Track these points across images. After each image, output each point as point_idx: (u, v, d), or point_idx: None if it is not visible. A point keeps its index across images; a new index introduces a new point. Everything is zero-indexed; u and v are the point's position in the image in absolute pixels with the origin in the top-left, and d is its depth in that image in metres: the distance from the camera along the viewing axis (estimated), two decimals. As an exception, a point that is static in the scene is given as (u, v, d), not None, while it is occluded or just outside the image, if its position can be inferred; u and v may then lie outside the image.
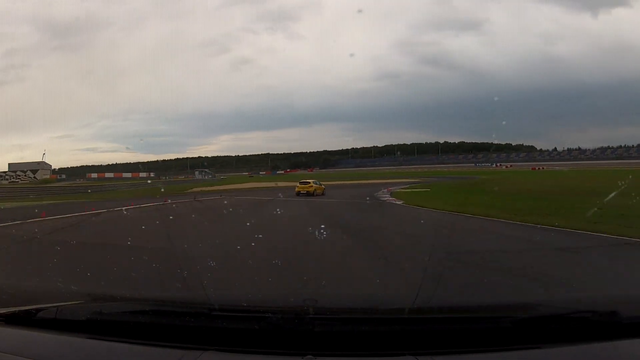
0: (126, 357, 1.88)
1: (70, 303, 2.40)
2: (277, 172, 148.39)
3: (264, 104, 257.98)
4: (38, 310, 2.19)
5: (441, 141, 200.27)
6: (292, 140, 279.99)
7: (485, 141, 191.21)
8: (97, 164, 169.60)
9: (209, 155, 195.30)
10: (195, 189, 52.03)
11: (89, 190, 54.59)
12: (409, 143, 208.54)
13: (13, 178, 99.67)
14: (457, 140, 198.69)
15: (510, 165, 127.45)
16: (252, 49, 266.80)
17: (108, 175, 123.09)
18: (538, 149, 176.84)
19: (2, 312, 2.23)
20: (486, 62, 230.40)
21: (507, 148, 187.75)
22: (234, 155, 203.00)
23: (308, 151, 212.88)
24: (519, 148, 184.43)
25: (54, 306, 2.22)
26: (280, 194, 38.24)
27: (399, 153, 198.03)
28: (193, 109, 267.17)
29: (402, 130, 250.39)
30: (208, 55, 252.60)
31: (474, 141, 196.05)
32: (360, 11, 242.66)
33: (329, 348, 1.81)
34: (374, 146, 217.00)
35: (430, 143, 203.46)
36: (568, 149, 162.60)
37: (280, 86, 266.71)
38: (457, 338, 1.84)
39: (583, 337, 1.83)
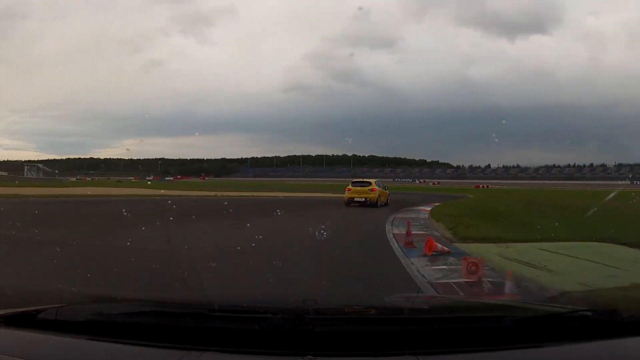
0: (126, 358, 1.89)
1: (70, 304, 2.47)
2: (167, 178, 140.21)
3: (172, 109, 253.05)
4: (38, 311, 2.19)
5: (350, 154, 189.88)
6: (198, 147, 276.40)
7: (398, 156, 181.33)
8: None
9: (113, 157, 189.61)
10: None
11: None
12: (314, 155, 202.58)
13: None
14: (367, 154, 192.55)
15: (438, 182, 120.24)
16: (164, 52, 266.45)
17: None
18: (455, 165, 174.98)
19: (2, 313, 2.22)
20: (400, 81, 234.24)
21: (422, 164, 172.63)
22: (135, 158, 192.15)
23: (206, 158, 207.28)
24: (435, 164, 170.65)
25: (54, 307, 2.23)
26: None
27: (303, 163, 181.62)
28: (102, 109, 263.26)
29: (311, 144, 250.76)
30: (121, 55, 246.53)
31: (386, 155, 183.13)
32: (275, 22, 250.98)
33: (329, 348, 1.80)
34: (275, 156, 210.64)
35: (338, 155, 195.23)
36: (504, 166, 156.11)
37: (188, 92, 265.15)
38: (457, 338, 1.84)
39: (583, 336, 1.83)
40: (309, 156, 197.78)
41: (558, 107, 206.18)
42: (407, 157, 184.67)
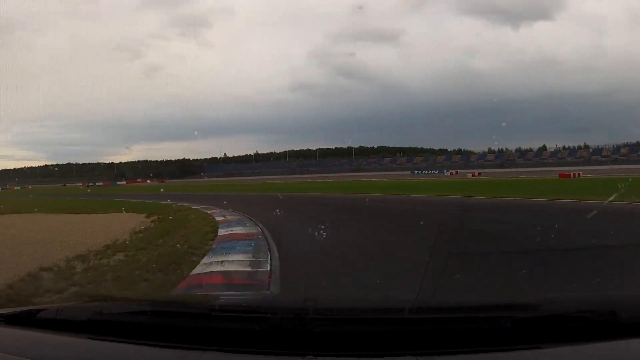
0: (126, 357, 1.89)
1: (70, 303, 2.69)
2: (118, 182, 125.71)
3: (177, 113, 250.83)
4: (38, 310, 2.21)
5: (356, 146, 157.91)
6: (204, 151, 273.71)
7: (411, 145, 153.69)
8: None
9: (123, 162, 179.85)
10: None
11: None
12: (313, 148, 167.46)
13: None
14: (376, 145, 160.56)
15: (479, 173, 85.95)
16: (163, 56, 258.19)
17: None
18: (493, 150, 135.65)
19: (2, 312, 2.25)
20: (403, 75, 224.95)
21: (443, 153, 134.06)
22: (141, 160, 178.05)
23: (194, 158, 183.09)
24: (459, 152, 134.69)
25: (54, 306, 2.29)
26: None
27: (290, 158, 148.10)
28: (107, 116, 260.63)
29: (314, 141, 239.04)
30: (121, 61, 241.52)
31: (399, 145, 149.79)
32: (275, 21, 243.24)
33: (329, 348, 1.80)
34: (255, 152, 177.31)
35: (342, 148, 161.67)
36: (567, 147, 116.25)
37: (191, 95, 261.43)
38: (457, 338, 1.84)
39: (583, 337, 1.82)
40: (307, 150, 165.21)
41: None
42: (424, 147, 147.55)
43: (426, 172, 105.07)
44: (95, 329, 2.02)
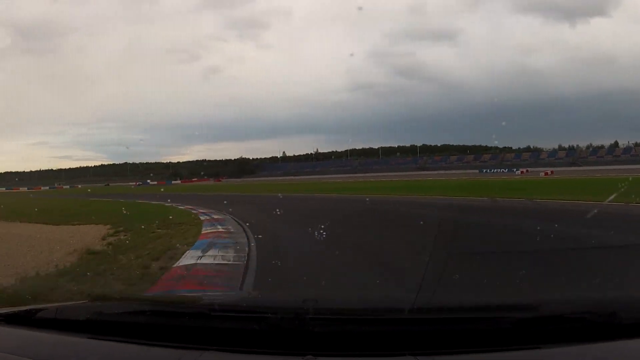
0: (126, 356, 1.91)
1: (70, 303, 2.56)
2: (173, 182, 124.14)
3: (236, 115, 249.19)
4: (38, 310, 2.22)
5: (419, 144, 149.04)
6: (264, 151, 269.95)
7: (474, 144, 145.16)
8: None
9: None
10: None
11: None
12: (375, 147, 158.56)
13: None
14: (439, 144, 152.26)
15: (552, 172, 79.36)
16: (221, 58, 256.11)
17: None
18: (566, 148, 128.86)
19: (2, 311, 2.26)
20: (462, 74, 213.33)
21: (507, 150, 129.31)
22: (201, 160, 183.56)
23: (253, 158, 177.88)
24: (523, 150, 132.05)
25: (54, 306, 2.29)
26: None
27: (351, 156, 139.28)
28: (166, 118, 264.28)
29: (378, 143, 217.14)
30: (178, 63, 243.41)
31: (462, 144, 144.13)
32: (333, 21, 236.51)
33: (329, 348, 1.81)
34: (316, 150, 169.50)
35: (404, 146, 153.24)
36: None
37: (250, 96, 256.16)
38: (457, 338, 1.85)
39: (582, 338, 1.83)
40: (369, 149, 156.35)
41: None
42: (488, 145, 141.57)
43: (494, 170, 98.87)
44: (95, 328, 2.04)
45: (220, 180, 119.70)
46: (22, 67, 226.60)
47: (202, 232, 15.43)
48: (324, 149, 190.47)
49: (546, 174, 74.99)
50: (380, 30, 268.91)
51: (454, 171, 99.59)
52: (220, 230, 15.80)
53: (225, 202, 27.91)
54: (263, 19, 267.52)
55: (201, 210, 23.75)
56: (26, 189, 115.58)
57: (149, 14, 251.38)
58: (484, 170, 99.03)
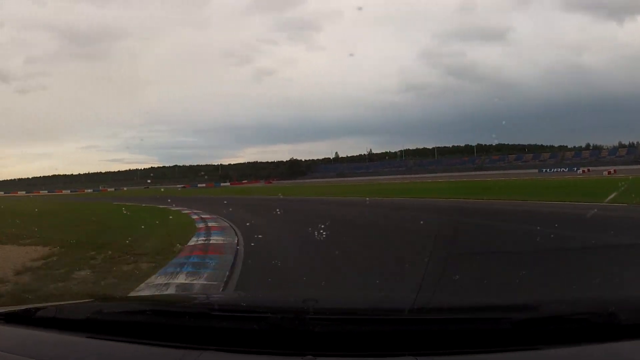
0: (126, 356, 1.90)
1: (70, 302, 2.57)
2: (222, 184, 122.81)
3: (288, 116, 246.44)
4: (38, 309, 2.21)
5: (473, 144, 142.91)
6: (316, 152, 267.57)
7: (530, 143, 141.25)
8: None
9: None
10: None
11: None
12: (429, 147, 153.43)
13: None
14: (493, 143, 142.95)
15: (615, 171, 72.47)
16: (272, 60, 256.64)
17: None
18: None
19: (2, 311, 2.26)
20: (513, 73, 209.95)
21: (564, 149, 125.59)
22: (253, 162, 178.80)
23: (304, 159, 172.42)
24: (587, 148, 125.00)
25: (54, 305, 2.29)
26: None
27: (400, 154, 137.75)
28: (218, 120, 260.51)
29: (431, 143, 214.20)
30: (230, 66, 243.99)
31: (518, 143, 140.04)
32: (383, 22, 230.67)
33: (329, 348, 1.81)
34: (369, 151, 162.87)
35: (459, 146, 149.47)
36: None
37: (302, 98, 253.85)
38: (456, 338, 1.84)
39: (582, 338, 1.83)
40: (423, 149, 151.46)
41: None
42: (543, 144, 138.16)
43: (554, 169, 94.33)
44: (95, 328, 2.04)
45: (270, 182, 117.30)
46: (74, 71, 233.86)
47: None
48: (376, 150, 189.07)
49: (609, 172, 68.52)
50: (430, 30, 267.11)
51: (512, 171, 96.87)
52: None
53: (259, 209, 25.46)
54: (313, 21, 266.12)
55: (212, 225, 18.62)
56: (69, 191, 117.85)
57: (199, 17, 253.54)
58: (544, 170, 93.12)
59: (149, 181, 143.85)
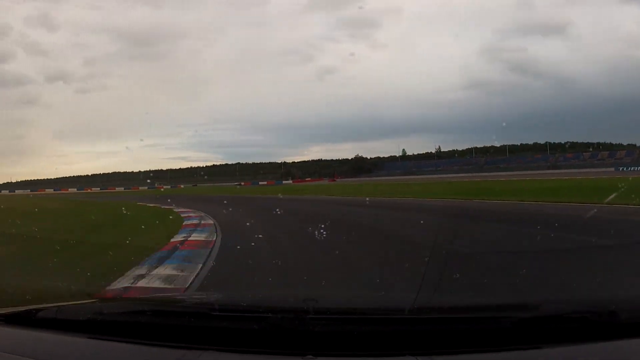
0: (126, 356, 1.90)
1: (70, 303, 2.49)
2: (284, 181, 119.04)
3: (352, 115, 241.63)
4: (38, 310, 2.21)
5: (541, 142, 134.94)
6: (381, 151, 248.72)
7: (599, 140, 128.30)
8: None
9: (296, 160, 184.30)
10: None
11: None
12: (498, 145, 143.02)
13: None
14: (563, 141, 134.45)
15: None
16: (334, 58, 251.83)
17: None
18: None
19: (2, 312, 2.25)
20: (575, 68, 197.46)
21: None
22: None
23: (369, 157, 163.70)
24: None
25: (55, 306, 2.26)
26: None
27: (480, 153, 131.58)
28: (282, 119, 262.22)
29: (499, 141, 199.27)
30: (292, 64, 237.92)
31: (590, 140, 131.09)
32: (442, 17, 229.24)
33: (329, 348, 1.81)
34: (437, 148, 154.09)
35: (527, 144, 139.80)
36: None
37: (365, 96, 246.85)
38: (457, 338, 1.85)
39: (583, 337, 1.84)
40: (491, 147, 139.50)
41: None
42: (612, 142, 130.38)
43: (632, 168, 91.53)
44: (95, 328, 2.04)
45: (334, 180, 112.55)
46: (139, 72, 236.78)
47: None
48: (442, 147, 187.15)
49: None
50: (490, 26, 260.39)
51: (588, 169, 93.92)
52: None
53: (308, 216, 19.52)
54: (373, 18, 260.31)
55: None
56: (122, 188, 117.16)
57: (259, 16, 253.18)
58: (620, 168, 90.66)
59: (206, 177, 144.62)
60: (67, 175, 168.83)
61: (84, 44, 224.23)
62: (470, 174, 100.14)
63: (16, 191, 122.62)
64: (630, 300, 2.62)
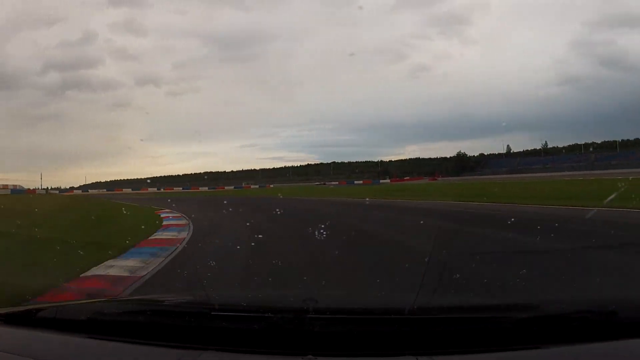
0: (126, 356, 1.89)
1: (70, 303, 2.62)
2: (381, 180, 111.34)
3: (448, 113, 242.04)
4: (38, 309, 2.21)
5: None
6: (480, 150, 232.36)
7: None
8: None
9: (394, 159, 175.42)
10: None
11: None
12: (604, 141, 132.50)
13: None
14: None
15: None
16: (426, 56, 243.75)
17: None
18: None
19: (2, 311, 2.24)
20: None
21: None
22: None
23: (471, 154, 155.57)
24: None
25: (54, 305, 2.28)
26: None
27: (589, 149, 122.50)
28: (377, 118, 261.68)
29: (601, 137, 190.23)
30: (385, 63, 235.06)
31: None
32: (529, 11, 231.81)
33: (329, 348, 1.81)
34: (544, 143, 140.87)
35: (629, 140, 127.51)
36: None
37: (460, 93, 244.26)
38: (457, 338, 1.85)
39: (583, 337, 1.84)
40: (603, 142, 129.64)
41: None
42: None
43: None
44: (95, 328, 2.04)
45: (435, 179, 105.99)
46: (232, 74, 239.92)
47: None
48: (538, 145, 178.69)
49: None
50: (578, 19, 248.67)
51: None
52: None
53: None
54: (463, 15, 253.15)
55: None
56: (206, 188, 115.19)
57: (350, 16, 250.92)
58: None
59: (298, 177, 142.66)
60: (159, 175, 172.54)
61: (173, 48, 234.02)
62: (582, 172, 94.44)
63: (89, 190, 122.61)
64: (630, 300, 2.62)
